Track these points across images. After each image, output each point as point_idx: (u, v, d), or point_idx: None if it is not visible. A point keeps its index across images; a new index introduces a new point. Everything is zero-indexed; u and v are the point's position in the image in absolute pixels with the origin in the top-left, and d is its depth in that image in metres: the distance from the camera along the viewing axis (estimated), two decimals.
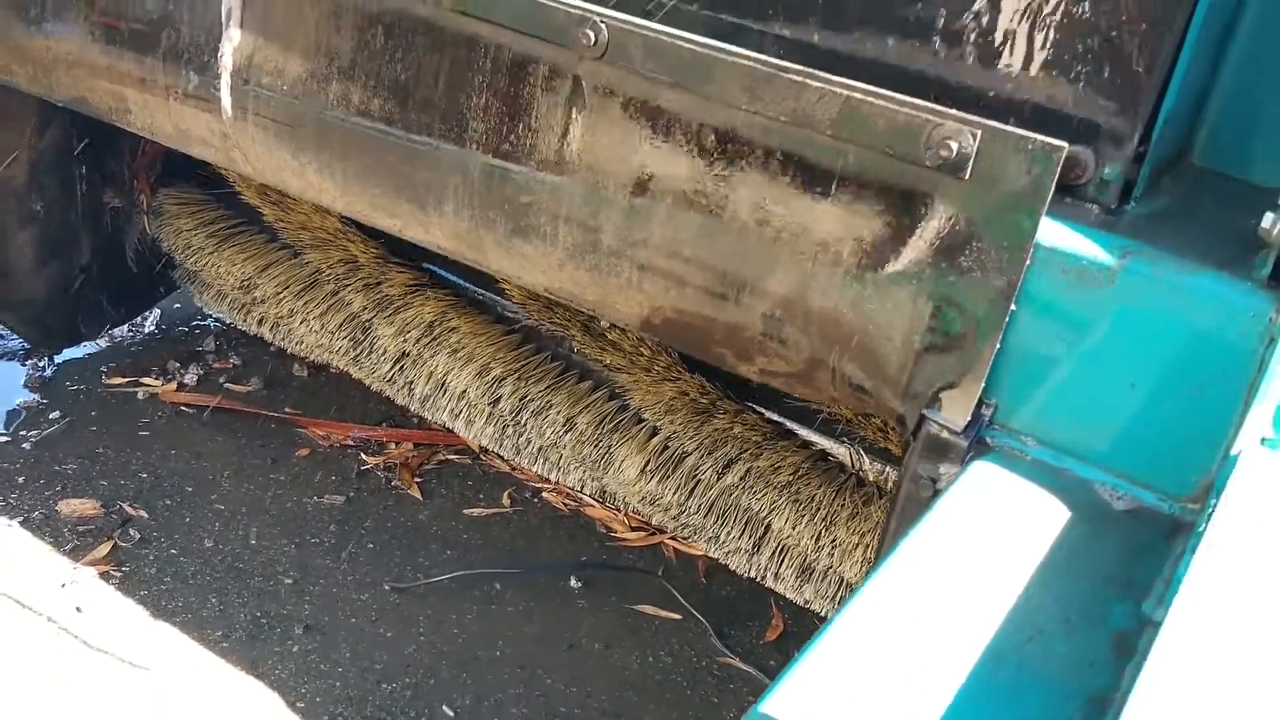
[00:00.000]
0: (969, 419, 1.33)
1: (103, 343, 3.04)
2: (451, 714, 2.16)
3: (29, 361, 2.91)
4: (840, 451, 2.33)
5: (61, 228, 2.75)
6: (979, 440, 1.36)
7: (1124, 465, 1.31)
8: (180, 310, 3.20)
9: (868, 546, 2.19)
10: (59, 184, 2.69)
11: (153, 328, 3.15)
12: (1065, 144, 1.20)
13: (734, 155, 1.39)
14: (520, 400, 2.53)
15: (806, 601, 2.39)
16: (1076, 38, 1.33)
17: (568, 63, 1.46)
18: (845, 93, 1.30)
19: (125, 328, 3.10)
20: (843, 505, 2.24)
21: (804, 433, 2.36)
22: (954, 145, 1.24)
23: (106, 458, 2.64)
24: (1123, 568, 1.20)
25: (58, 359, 2.94)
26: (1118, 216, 1.35)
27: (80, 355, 2.98)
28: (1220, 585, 0.98)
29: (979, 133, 1.23)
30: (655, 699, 2.27)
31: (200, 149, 1.90)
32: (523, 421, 2.53)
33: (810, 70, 1.31)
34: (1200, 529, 1.09)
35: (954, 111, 1.25)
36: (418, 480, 2.73)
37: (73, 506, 2.48)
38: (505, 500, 2.72)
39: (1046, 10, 1.32)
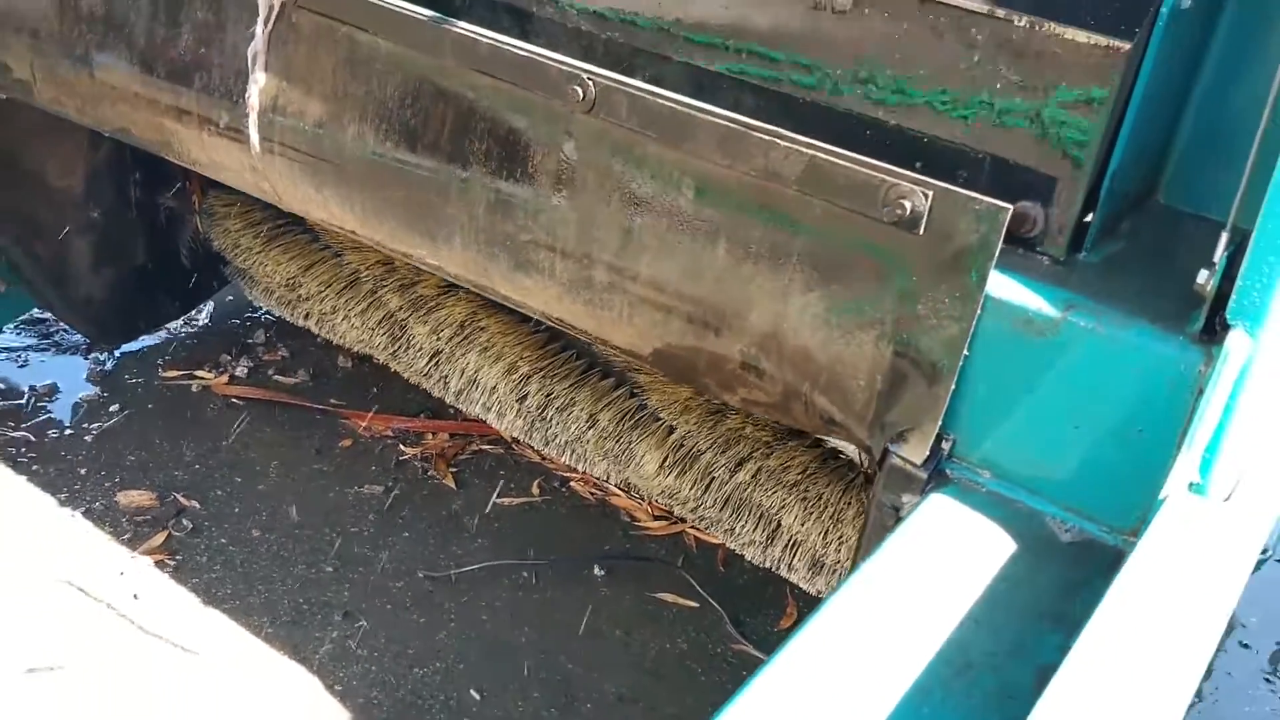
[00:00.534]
0: (928, 454, 1.43)
1: (159, 335, 3.21)
2: (478, 697, 2.31)
3: (90, 355, 3.09)
4: (849, 450, 2.42)
5: (118, 231, 2.92)
6: (939, 472, 1.45)
7: (1071, 499, 1.39)
8: (232, 303, 3.37)
9: None
10: (114, 191, 2.86)
11: (206, 320, 3.32)
12: (1009, 205, 1.28)
13: (711, 203, 1.48)
14: (546, 397, 2.65)
15: (819, 592, 2.48)
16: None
17: (560, 114, 1.57)
18: (810, 152, 1.38)
19: (180, 320, 3.27)
20: (849, 503, 2.34)
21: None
22: (907, 204, 1.33)
23: (162, 449, 2.82)
24: (1058, 601, 1.29)
25: (117, 353, 3.12)
26: (1068, 267, 1.43)
27: (137, 348, 3.15)
28: (1120, 626, 1.07)
29: (930, 193, 1.32)
30: (671, 684, 2.40)
31: (234, 179, 2.03)
32: (548, 417, 2.66)
33: (778, 130, 1.40)
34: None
35: (907, 172, 1.33)
36: (452, 470, 2.87)
37: (130, 497, 2.66)
38: (535, 489, 2.85)
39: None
